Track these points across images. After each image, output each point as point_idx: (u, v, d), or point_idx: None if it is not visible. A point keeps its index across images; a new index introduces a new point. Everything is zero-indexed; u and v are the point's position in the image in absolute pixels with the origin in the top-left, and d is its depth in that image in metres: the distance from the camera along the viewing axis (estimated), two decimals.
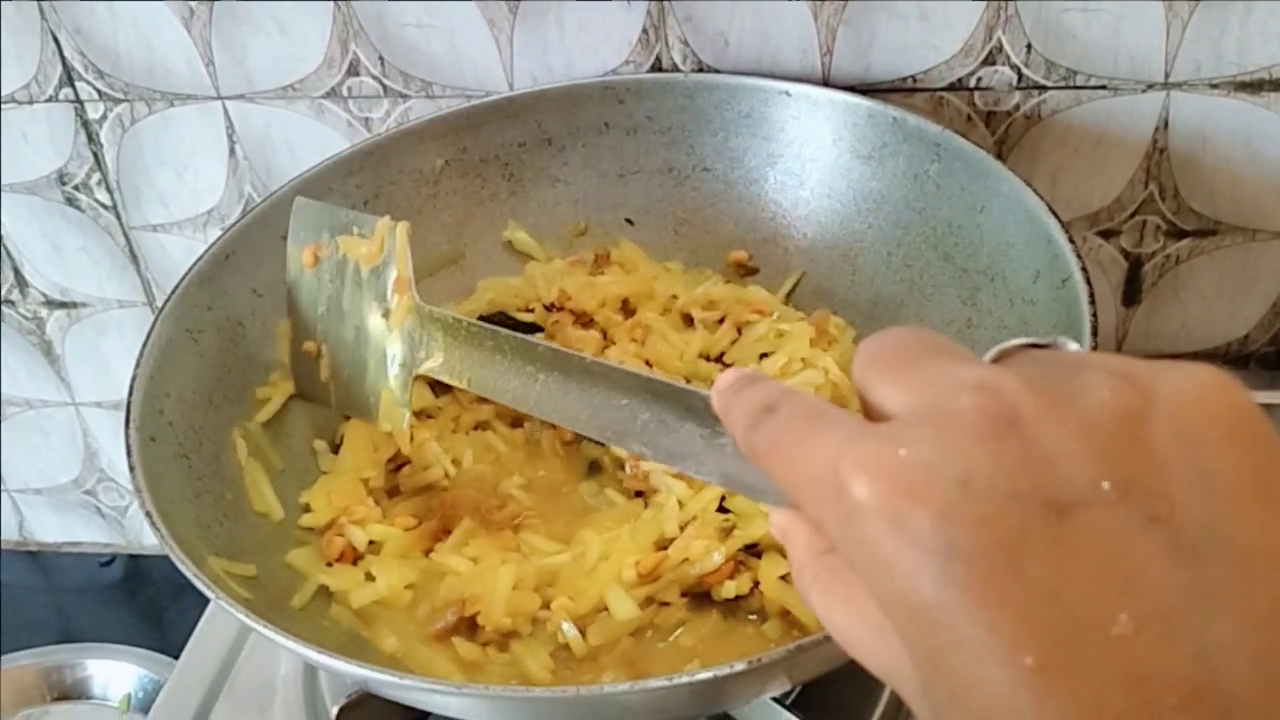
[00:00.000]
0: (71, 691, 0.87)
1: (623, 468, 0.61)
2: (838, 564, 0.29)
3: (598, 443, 0.62)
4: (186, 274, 0.60)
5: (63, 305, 0.88)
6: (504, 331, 0.54)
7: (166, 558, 0.46)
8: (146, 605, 0.97)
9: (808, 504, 0.27)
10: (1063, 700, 0.22)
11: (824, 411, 0.27)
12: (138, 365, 0.56)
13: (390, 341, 0.59)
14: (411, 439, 0.61)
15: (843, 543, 0.25)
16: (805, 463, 0.27)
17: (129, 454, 0.52)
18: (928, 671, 0.24)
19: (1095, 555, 0.23)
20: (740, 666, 0.41)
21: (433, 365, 0.57)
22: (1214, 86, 0.66)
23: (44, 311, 0.88)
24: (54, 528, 1.02)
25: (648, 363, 0.64)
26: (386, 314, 0.59)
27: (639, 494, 0.60)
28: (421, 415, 0.64)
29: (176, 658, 0.85)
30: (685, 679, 0.41)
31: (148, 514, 0.49)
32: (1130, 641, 0.22)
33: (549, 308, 0.67)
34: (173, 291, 0.59)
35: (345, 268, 0.60)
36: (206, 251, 0.61)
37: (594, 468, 0.63)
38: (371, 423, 0.61)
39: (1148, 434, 0.24)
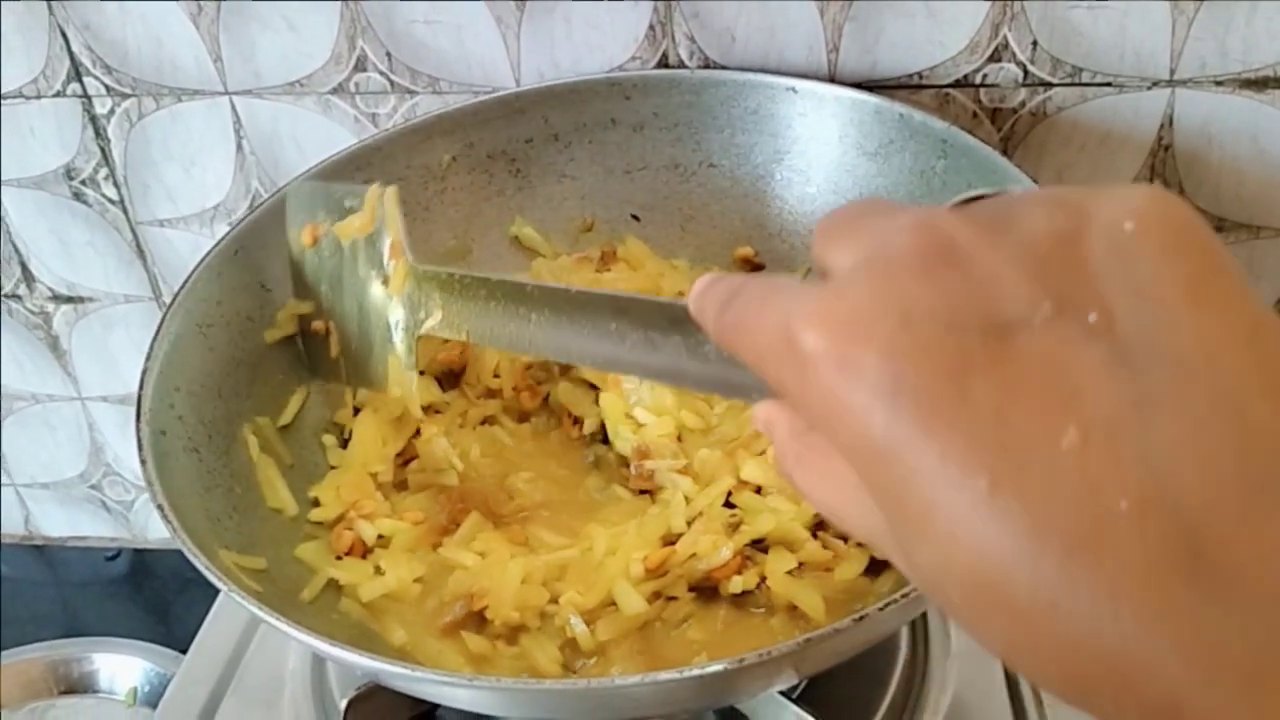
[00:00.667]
0: (78, 685, 0.87)
1: (627, 465, 0.61)
2: (817, 440, 0.30)
3: (603, 441, 0.63)
4: (196, 268, 0.61)
5: (69, 300, 0.88)
6: (494, 278, 0.54)
7: (172, 551, 0.47)
8: (152, 599, 0.98)
9: (769, 370, 0.27)
10: (1018, 517, 0.22)
11: (780, 283, 0.28)
12: (148, 359, 0.56)
13: (392, 309, 0.59)
14: (419, 434, 0.61)
15: (803, 401, 0.26)
16: (763, 329, 0.27)
17: (140, 448, 0.52)
18: (893, 512, 0.25)
19: (1038, 373, 0.23)
20: (750, 659, 0.41)
21: (433, 323, 0.57)
22: (1219, 84, 0.66)
23: (51, 306, 0.89)
24: (60, 522, 1.02)
25: None
26: (386, 281, 0.60)
27: (644, 492, 0.60)
28: (429, 411, 0.64)
29: (182, 651, 0.86)
30: (695, 671, 0.42)
31: (159, 507, 0.49)
32: (1078, 453, 0.22)
33: None
34: (182, 286, 0.60)
35: (342, 243, 0.61)
36: (215, 246, 0.62)
37: (598, 464, 0.63)
38: (383, 392, 0.61)
39: (1083, 252, 0.24)
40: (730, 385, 0.36)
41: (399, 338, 0.60)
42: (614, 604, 0.54)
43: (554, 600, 0.54)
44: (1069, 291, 0.24)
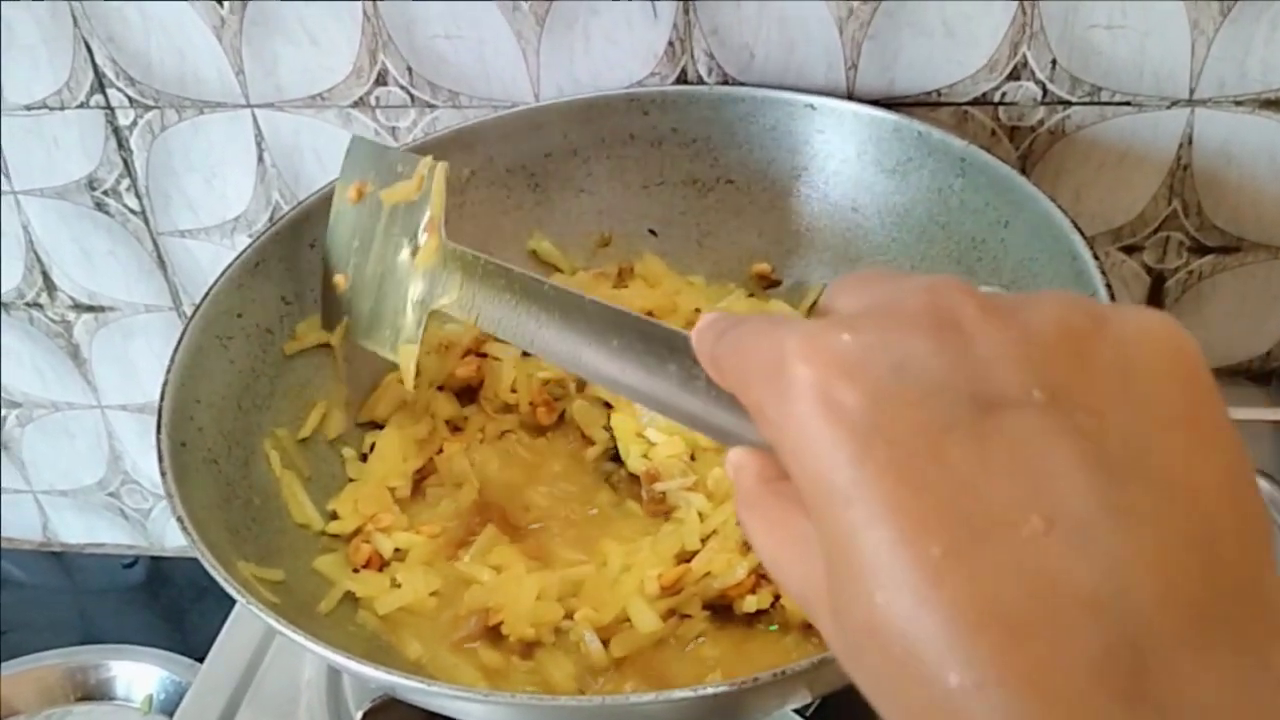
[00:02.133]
0: (95, 692, 0.88)
1: (637, 480, 0.61)
2: (782, 489, 0.30)
3: (616, 459, 0.63)
4: (217, 280, 0.61)
5: (90, 309, 0.89)
6: (516, 270, 0.54)
7: (188, 560, 0.47)
8: (168, 607, 0.98)
9: (753, 393, 0.27)
10: (960, 589, 0.22)
11: (783, 319, 0.28)
12: (169, 370, 0.57)
13: (413, 280, 0.60)
14: (441, 450, 0.62)
15: (778, 429, 0.26)
16: (756, 354, 0.27)
17: (160, 459, 0.52)
18: (837, 562, 0.24)
19: (1016, 454, 0.23)
20: (765, 678, 0.41)
21: (446, 301, 0.58)
22: (1238, 103, 0.66)
23: (72, 315, 0.89)
24: (78, 529, 1.03)
25: None
26: (415, 251, 0.60)
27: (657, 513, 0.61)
28: (449, 426, 0.64)
29: (197, 659, 0.86)
30: (710, 690, 0.42)
31: (178, 518, 0.50)
32: (1038, 542, 0.22)
33: None
34: (204, 298, 0.60)
35: (384, 205, 0.62)
36: (237, 259, 0.62)
37: (611, 481, 0.63)
38: (385, 355, 0.62)
39: (1090, 353, 0.24)
40: (713, 426, 0.36)
41: (410, 309, 0.60)
42: (628, 621, 0.54)
43: (569, 616, 0.54)
44: (1066, 387, 0.24)
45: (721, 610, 0.56)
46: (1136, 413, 0.24)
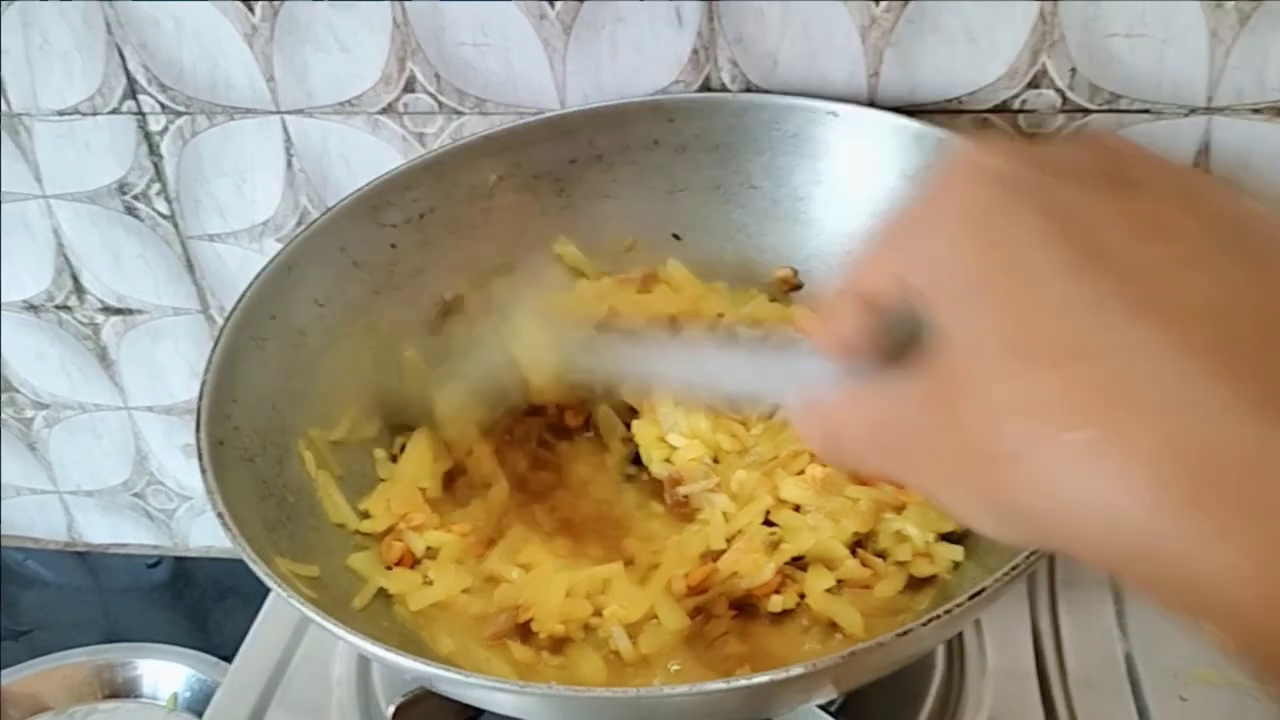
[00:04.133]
0: (122, 689, 0.89)
1: (660, 483, 0.62)
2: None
3: (636, 462, 0.64)
4: (252, 283, 0.62)
5: (119, 312, 0.90)
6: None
7: (212, 560, 0.48)
8: (192, 606, 0.99)
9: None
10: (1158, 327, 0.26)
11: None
12: (206, 371, 0.58)
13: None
14: (470, 452, 0.63)
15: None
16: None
17: (200, 457, 0.53)
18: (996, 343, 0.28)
19: (1158, 226, 0.27)
20: (796, 671, 0.42)
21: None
22: (1256, 111, 0.67)
23: (100, 317, 0.91)
24: (103, 529, 1.04)
25: None
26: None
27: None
28: (478, 428, 0.66)
29: (221, 658, 0.87)
30: (742, 682, 0.43)
31: (219, 515, 0.51)
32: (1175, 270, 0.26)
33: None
34: (239, 300, 0.61)
35: None
36: (270, 262, 0.63)
37: (635, 482, 0.64)
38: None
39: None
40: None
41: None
42: (655, 619, 0.55)
43: (597, 614, 0.55)
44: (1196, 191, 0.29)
45: (746, 609, 0.57)
46: (1232, 220, 0.28)
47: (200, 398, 0.56)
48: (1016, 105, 0.69)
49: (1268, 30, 0.64)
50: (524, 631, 0.56)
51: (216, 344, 0.59)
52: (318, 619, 0.47)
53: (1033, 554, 0.45)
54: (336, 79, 0.75)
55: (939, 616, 0.44)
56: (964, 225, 0.29)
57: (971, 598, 0.44)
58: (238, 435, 0.58)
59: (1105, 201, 0.28)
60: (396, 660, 0.46)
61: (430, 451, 0.63)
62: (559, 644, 0.55)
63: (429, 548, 0.59)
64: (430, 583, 0.58)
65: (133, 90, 0.79)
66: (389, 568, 0.59)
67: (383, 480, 0.63)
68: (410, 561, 0.59)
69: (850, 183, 0.69)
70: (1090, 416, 0.25)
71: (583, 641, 0.55)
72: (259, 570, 0.48)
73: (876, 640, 0.43)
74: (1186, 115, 0.68)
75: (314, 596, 0.52)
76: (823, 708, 0.56)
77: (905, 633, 0.44)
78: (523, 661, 0.54)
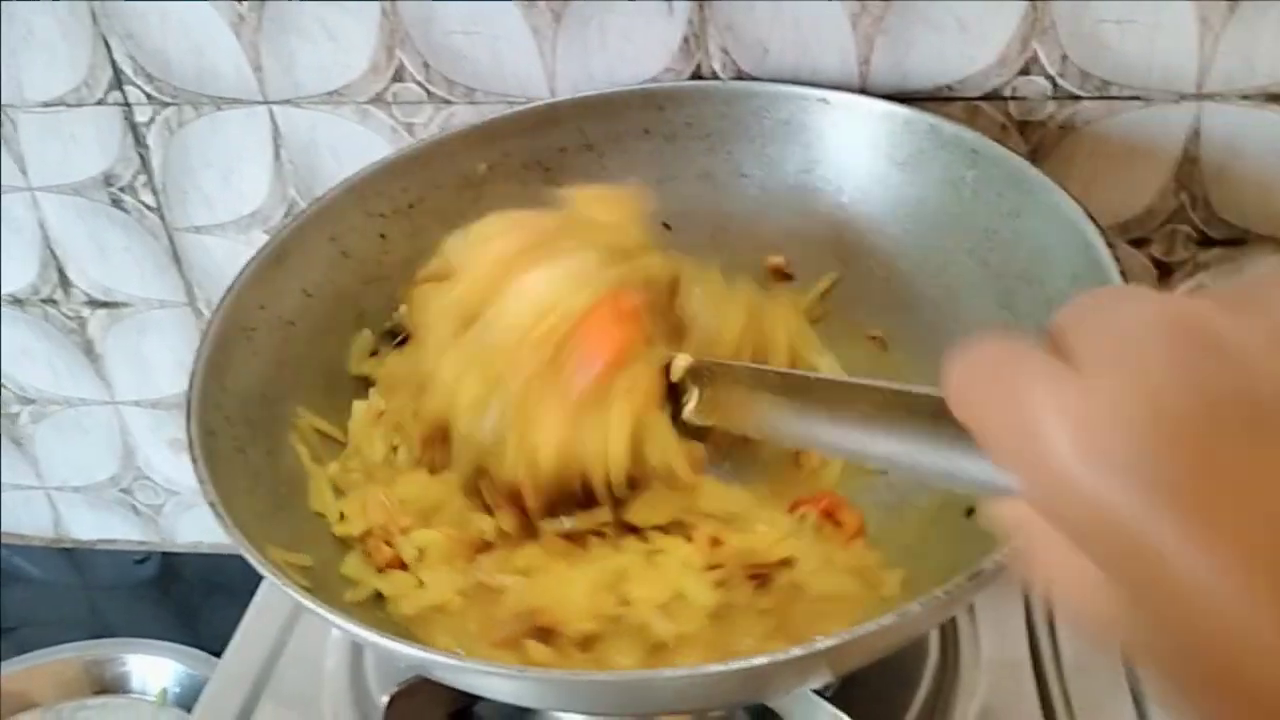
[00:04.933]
0: (111, 685, 0.88)
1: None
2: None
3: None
4: (241, 273, 0.62)
5: (105, 305, 0.89)
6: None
7: (199, 556, 0.47)
8: (180, 602, 0.99)
9: (1001, 446, 0.27)
10: (1267, 601, 0.22)
11: (1016, 354, 0.27)
12: (195, 360, 0.57)
13: None
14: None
15: (1033, 486, 0.26)
16: (994, 406, 0.27)
17: (191, 446, 0.53)
18: (1135, 596, 0.25)
19: None
20: (796, 652, 0.42)
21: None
22: (1246, 98, 0.67)
23: (86, 311, 0.90)
24: (89, 525, 1.04)
25: None
26: None
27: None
28: None
29: (209, 653, 0.87)
30: (739, 665, 0.43)
31: (211, 504, 0.50)
32: None
33: None
34: (229, 290, 0.61)
35: None
36: (260, 252, 0.63)
37: None
38: None
39: None
40: (962, 477, 0.35)
41: None
42: (680, 598, 0.54)
43: (623, 603, 0.54)
44: None
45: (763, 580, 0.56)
46: None
47: (190, 388, 0.56)
48: (1007, 92, 0.69)
49: (1257, 17, 0.64)
50: (542, 635, 0.54)
51: (206, 334, 0.59)
52: (313, 607, 0.46)
53: None
54: (324, 69, 0.75)
55: (937, 598, 0.44)
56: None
57: (970, 579, 0.44)
58: (229, 425, 0.57)
59: None
60: (394, 647, 0.45)
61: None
62: (588, 640, 0.54)
63: (419, 549, 0.58)
64: (423, 585, 0.57)
65: (119, 81, 0.78)
66: (381, 570, 0.58)
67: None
68: (400, 565, 0.58)
69: (842, 170, 0.69)
70: None
71: (613, 634, 0.54)
72: (252, 558, 0.48)
73: (876, 622, 0.43)
74: (1177, 102, 0.68)
75: (308, 585, 0.51)
76: (819, 694, 0.56)
77: (901, 614, 0.44)
78: (546, 663, 0.53)
